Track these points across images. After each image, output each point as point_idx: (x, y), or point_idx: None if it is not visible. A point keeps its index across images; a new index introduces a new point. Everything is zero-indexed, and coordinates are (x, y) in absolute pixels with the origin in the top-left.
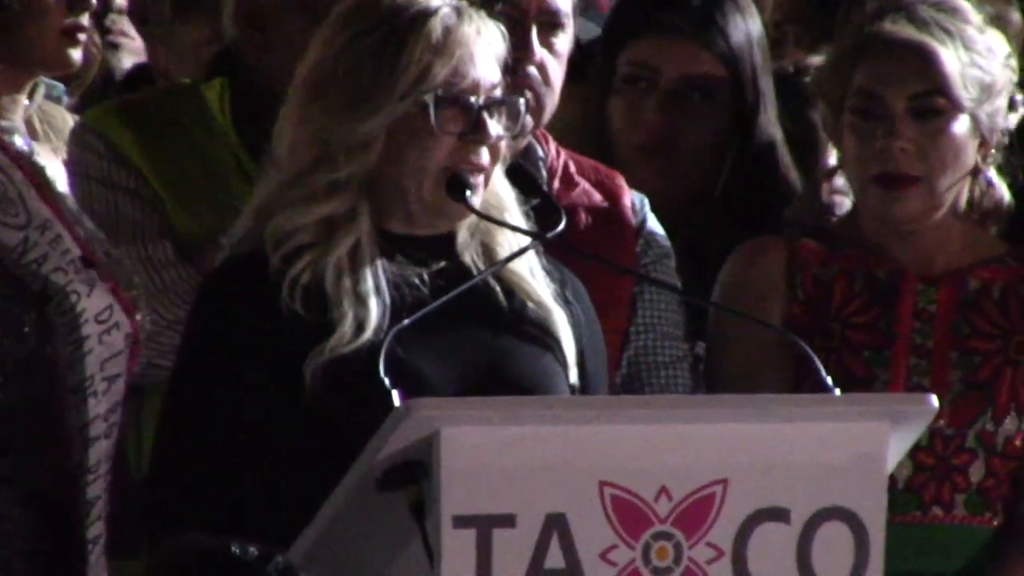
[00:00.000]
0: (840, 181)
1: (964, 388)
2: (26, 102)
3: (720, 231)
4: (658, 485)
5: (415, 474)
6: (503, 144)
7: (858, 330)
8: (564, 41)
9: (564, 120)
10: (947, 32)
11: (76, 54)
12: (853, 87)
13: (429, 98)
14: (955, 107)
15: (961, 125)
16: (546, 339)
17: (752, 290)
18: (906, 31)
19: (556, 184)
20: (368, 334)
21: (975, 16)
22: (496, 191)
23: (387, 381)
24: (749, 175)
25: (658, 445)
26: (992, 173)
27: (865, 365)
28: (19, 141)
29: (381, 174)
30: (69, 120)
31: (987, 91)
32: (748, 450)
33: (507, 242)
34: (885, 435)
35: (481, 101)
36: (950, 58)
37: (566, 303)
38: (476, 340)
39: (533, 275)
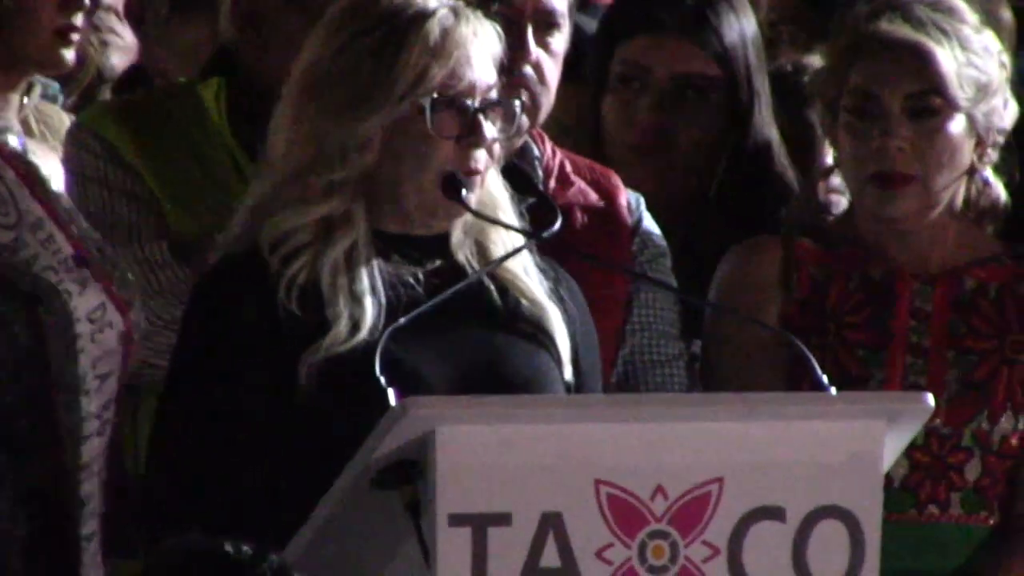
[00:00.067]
0: (837, 180)
1: (960, 387)
2: (25, 100)
3: (716, 230)
4: (654, 484)
5: (411, 473)
6: (498, 146)
7: (854, 329)
8: (560, 41)
9: (559, 122)
10: (943, 32)
11: (69, 54)
12: (849, 86)
13: (426, 101)
14: (951, 106)
15: (957, 124)
16: (541, 337)
17: (748, 289)
18: (902, 31)
19: (552, 183)
20: (363, 333)
21: (971, 16)
22: (491, 190)
23: (383, 380)
24: (744, 174)
25: (654, 444)
26: (988, 172)
27: (861, 364)
28: (12, 140)
29: (377, 175)
30: (65, 119)
31: (983, 91)
32: (744, 449)
33: (501, 241)
34: (881, 434)
35: (477, 104)
36: (946, 58)
37: (560, 301)
38: (471, 338)
39: (527, 273)
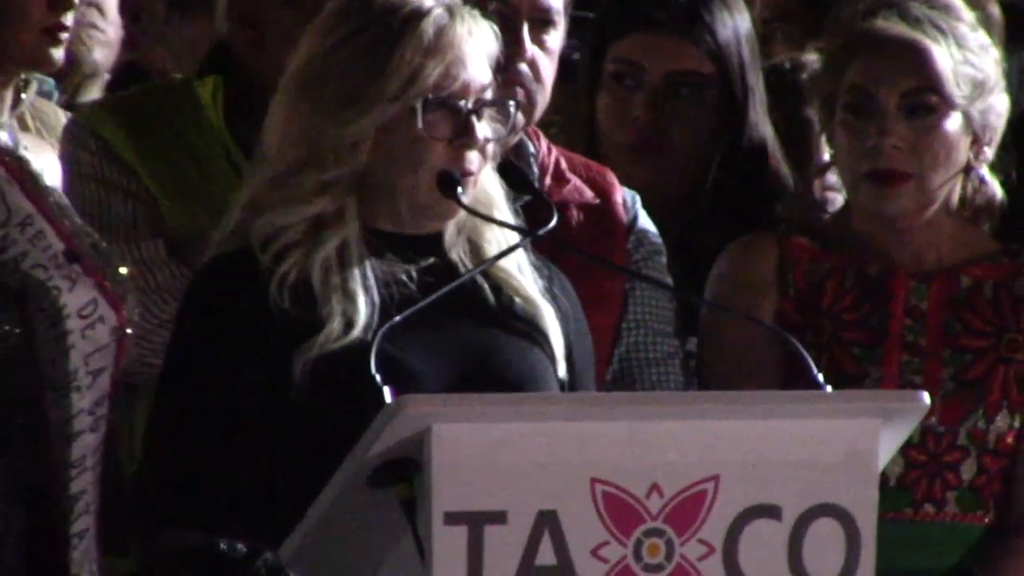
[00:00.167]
0: (833, 178)
1: (956, 385)
2: (23, 96)
3: (711, 228)
4: (649, 482)
5: (406, 471)
6: (492, 146)
7: (850, 327)
8: (556, 38)
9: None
10: (939, 29)
11: (58, 53)
12: (845, 84)
13: (418, 102)
14: (947, 104)
15: (953, 122)
16: (534, 334)
17: (744, 287)
18: (898, 28)
19: (547, 181)
20: (357, 331)
21: (967, 13)
22: (485, 188)
23: (378, 378)
24: (739, 172)
25: (649, 442)
26: (984, 170)
27: (856, 362)
28: (2, 136)
29: (370, 174)
30: (61, 116)
31: (979, 88)
32: (739, 447)
33: (495, 239)
34: (876, 432)
35: (470, 105)
36: (942, 55)
37: (553, 298)
38: (465, 336)
39: (521, 271)
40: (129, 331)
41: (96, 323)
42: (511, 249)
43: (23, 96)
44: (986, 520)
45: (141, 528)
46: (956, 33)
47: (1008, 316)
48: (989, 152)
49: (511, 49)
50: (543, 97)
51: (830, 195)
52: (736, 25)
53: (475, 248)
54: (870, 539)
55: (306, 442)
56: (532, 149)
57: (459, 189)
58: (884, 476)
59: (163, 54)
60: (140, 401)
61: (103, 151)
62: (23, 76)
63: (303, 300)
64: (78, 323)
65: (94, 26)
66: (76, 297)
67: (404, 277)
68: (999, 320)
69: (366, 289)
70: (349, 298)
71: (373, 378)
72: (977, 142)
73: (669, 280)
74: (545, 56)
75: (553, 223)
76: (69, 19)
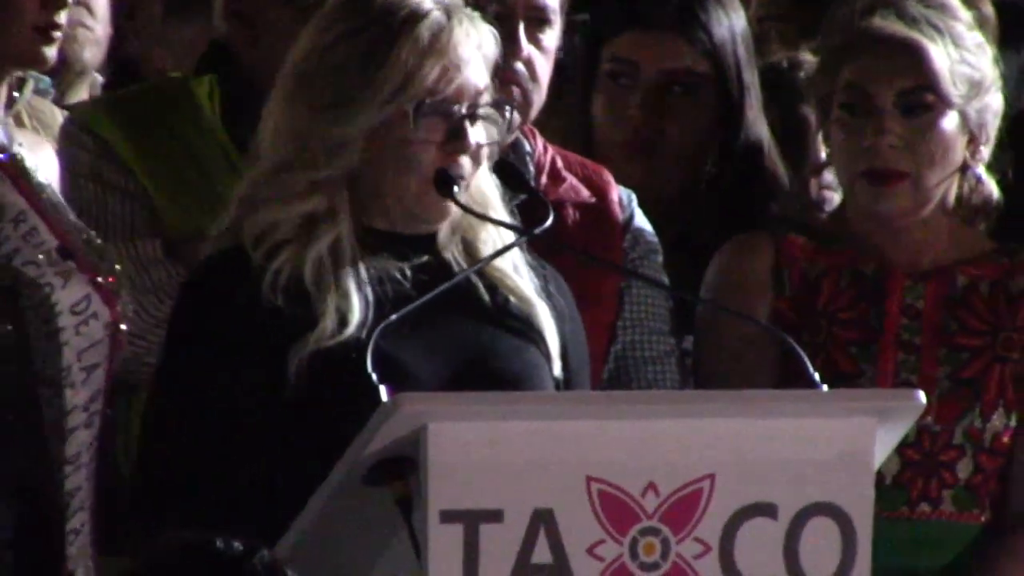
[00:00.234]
0: (829, 176)
1: (951, 384)
2: (15, 95)
3: (707, 226)
4: (645, 480)
5: (402, 469)
6: (484, 151)
7: (845, 326)
8: (552, 37)
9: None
10: (936, 28)
11: (50, 51)
12: (842, 83)
13: (410, 106)
14: (944, 103)
15: (950, 121)
16: (530, 333)
17: (740, 286)
18: (895, 27)
19: (543, 179)
20: (351, 328)
21: (964, 12)
22: (481, 189)
23: (375, 376)
24: (735, 170)
25: (645, 441)
26: (981, 170)
27: (852, 361)
28: None
29: (362, 174)
30: (58, 115)
31: (976, 87)
32: (735, 446)
33: (491, 239)
34: (872, 431)
35: (464, 110)
36: (939, 54)
37: (548, 297)
38: (461, 334)
39: (517, 271)
40: (123, 327)
41: (90, 319)
42: (507, 248)
43: (16, 94)
44: (982, 519)
45: (137, 526)
46: (953, 32)
47: (1004, 315)
48: (985, 151)
49: (507, 48)
50: (539, 96)
51: (826, 194)
52: (731, 24)
53: (470, 247)
54: (866, 538)
55: (302, 440)
56: (528, 148)
57: (455, 188)
58: (880, 475)
59: (160, 53)
60: (138, 400)
61: (100, 150)
62: (18, 74)
63: (296, 297)
64: (71, 320)
65: (82, 24)
66: (69, 294)
67: (398, 275)
68: (995, 319)
69: (359, 286)
70: (343, 295)
71: (369, 376)
72: (973, 141)
73: (665, 279)
74: (541, 55)
75: (549, 222)
76: (62, 17)
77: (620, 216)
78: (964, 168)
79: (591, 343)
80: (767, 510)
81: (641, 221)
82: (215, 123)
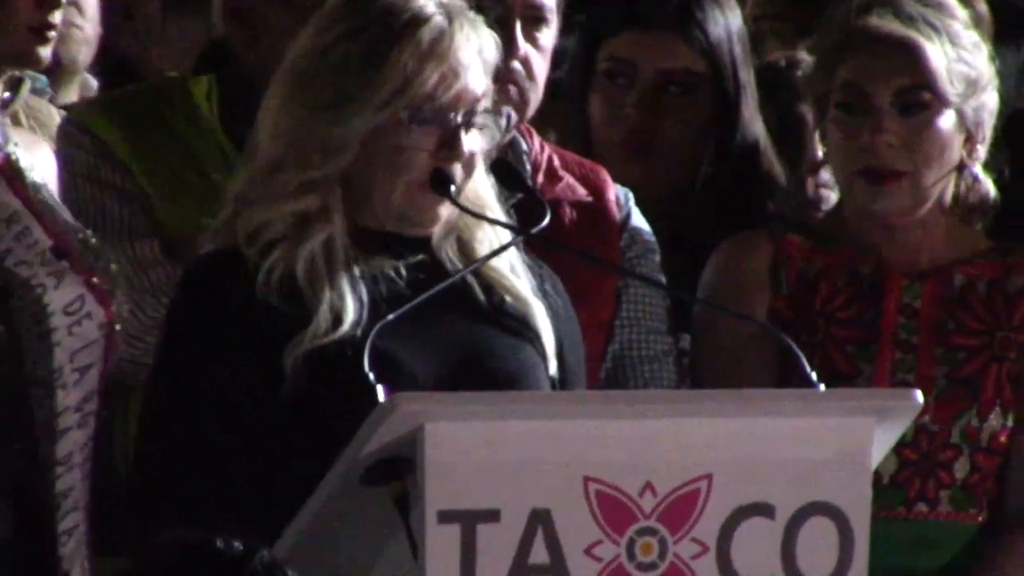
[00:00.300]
0: (826, 175)
1: (949, 384)
2: (6, 94)
3: (704, 225)
4: (643, 480)
5: (399, 469)
6: (478, 158)
7: (843, 325)
8: (548, 36)
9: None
10: (933, 27)
11: (44, 51)
12: (838, 81)
13: (404, 113)
14: (941, 102)
15: (947, 120)
16: (526, 332)
17: (737, 285)
18: (892, 25)
19: (540, 178)
20: (346, 326)
21: (961, 11)
22: (477, 190)
23: (371, 376)
24: (732, 169)
25: (643, 440)
26: (978, 168)
27: (850, 360)
28: None
29: (355, 175)
30: (55, 114)
31: (973, 86)
32: (733, 445)
33: (487, 238)
34: (870, 430)
35: (459, 118)
36: (936, 53)
37: (544, 296)
38: (456, 333)
39: (513, 270)
40: (118, 327)
41: (83, 319)
42: (503, 248)
43: (7, 94)
44: (979, 519)
45: (134, 526)
46: (950, 31)
47: (1001, 314)
48: (982, 150)
49: (504, 47)
50: (536, 95)
51: (823, 193)
52: (728, 23)
53: (466, 247)
54: (863, 538)
55: (299, 439)
56: (525, 147)
57: (452, 188)
58: (877, 474)
59: (158, 52)
60: (135, 401)
61: (98, 150)
62: (15, 74)
63: (290, 295)
64: (63, 320)
65: (73, 23)
66: (62, 294)
67: (392, 274)
68: (992, 318)
69: (353, 285)
70: (337, 293)
71: (366, 375)
72: (970, 140)
73: (662, 278)
74: (538, 54)
75: (546, 221)
76: (56, 17)
77: (617, 215)
78: (961, 167)
79: (588, 342)
80: (764, 510)
81: (638, 220)
82: (213, 123)
